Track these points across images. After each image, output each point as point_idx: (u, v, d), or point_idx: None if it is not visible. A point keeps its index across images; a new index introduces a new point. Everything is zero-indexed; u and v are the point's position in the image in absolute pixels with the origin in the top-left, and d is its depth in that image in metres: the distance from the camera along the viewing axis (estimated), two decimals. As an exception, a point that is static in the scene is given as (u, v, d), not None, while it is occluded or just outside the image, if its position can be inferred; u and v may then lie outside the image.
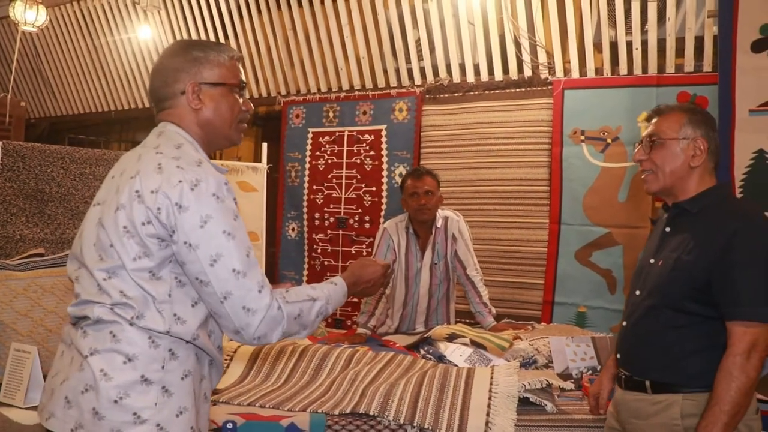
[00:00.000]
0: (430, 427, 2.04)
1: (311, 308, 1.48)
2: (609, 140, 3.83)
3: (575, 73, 3.95)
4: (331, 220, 4.78)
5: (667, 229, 1.82)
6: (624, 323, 1.87)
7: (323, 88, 4.92)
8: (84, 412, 1.31)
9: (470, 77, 4.28)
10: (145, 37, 5.68)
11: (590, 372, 2.53)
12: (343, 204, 4.73)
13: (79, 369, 1.34)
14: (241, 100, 1.54)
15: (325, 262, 4.81)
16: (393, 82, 4.60)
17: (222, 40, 5.25)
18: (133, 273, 1.34)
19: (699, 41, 3.60)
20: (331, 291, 1.57)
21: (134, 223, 1.34)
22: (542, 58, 4.04)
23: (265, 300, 1.38)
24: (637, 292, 1.83)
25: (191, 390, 1.39)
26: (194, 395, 1.40)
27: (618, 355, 1.88)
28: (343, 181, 4.73)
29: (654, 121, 1.84)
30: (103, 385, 1.31)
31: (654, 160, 1.80)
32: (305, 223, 4.90)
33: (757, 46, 2.57)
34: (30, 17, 5.04)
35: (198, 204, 1.33)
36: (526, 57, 4.07)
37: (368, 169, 4.62)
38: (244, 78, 1.57)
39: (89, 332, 1.36)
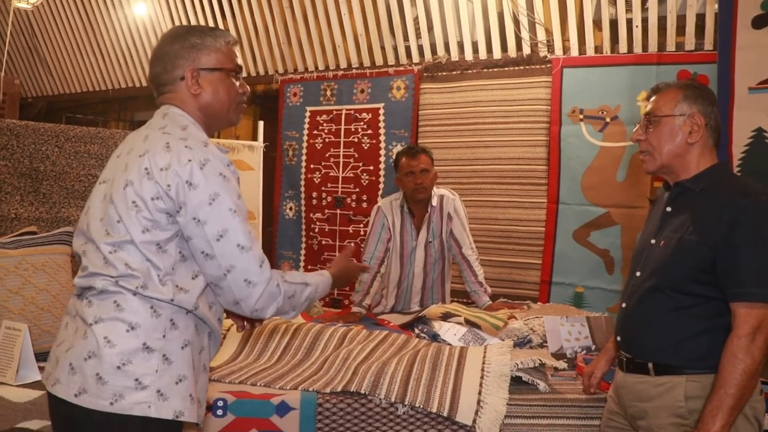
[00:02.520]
0: (421, 406, 2.03)
1: (303, 291, 1.60)
2: (608, 119, 3.80)
3: (574, 51, 3.90)
4: (329, 199, 4.76)
5: (668, 209, 1.79)
6: (624, 305, 1.84)
7: (321, 67, 4.87)
8: (88, 378, 1.37)
9: (468, 55, 4.23)
10: (141, 13, 5.62)
11: (584, 352, 2.52)
12: (340, 183, 4.71)
13: (83, 337, 1.41)
14: (237, 83, 1.61)
15: (323, 242, 4.79)
16: (391, 60, 4.56)
17: (219, 18, 5.19)
18: (141, 246, 1.41)
19: (700, 19, 3.55)
20: (320, 281, 1.71)
21: (144, 199, 1.41)
22: (541, 35, 3.99)
23: (266, 274, 1.48)
24: (638, 274, 1.80)
25: (190, 359, 1.46)
26: (193, 365, 1.47)
27: (618, 338, 1.85)
28: (341, 160, 4.70)
29: (652, 99, 1.82)
30: (107, 351, 1.37)
31: (650, 140, 1.78)
32: (303, 202, 4.89)
33: (758, 22, 2.53)
34: (24, -6, 4.99)
35: (206, 182, 1.42)
36: (525, 35, 4.02)
37: (366, 147, 4.59)
38: (240, 62, 1.63)
39: (94, 302, 1.43)
